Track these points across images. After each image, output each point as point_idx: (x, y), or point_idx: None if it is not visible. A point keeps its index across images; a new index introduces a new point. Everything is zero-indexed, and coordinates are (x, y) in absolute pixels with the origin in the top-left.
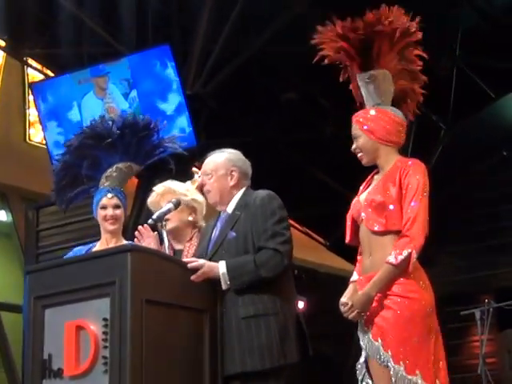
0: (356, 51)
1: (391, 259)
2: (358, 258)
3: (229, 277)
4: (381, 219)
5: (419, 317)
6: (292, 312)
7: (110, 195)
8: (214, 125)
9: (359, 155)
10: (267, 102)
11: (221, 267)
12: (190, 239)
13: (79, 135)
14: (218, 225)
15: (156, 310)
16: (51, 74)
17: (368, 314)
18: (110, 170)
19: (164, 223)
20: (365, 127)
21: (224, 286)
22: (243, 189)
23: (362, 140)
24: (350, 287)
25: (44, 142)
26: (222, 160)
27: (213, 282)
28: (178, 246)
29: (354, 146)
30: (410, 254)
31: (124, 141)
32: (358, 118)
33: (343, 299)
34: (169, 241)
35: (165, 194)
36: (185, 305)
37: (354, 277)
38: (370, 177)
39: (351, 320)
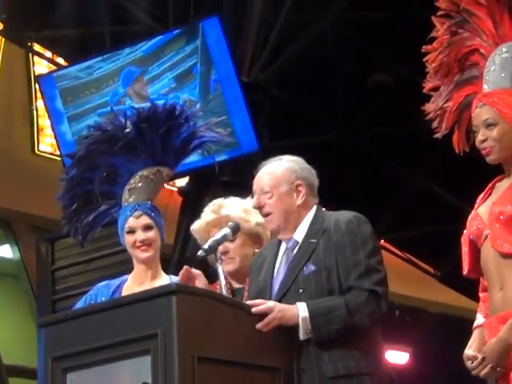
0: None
1: None
2: (482, 295)
3: (312, 324)
4: None
5: None
6: (386, 370)
7: (137, 214)
8: (280, 122)
9: (489, 148)
10: (349, 88)
11: (300, 310)
12: None
13: (85, 140)
14: (284, 257)
15: (212, 369)
16: (63, 63)
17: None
18: (133, 180)
19: (219, 255)
20: (508, 114)
21: (303, 336)
22: (313, 208)
23: (500, 129)
24: (475, 334)
25: (57, 152)
26: (282, 172)
27: (287, 330)
28: (237, 285)
29: (482, 137)
30: None
31: (144, 139)
32: (493, 99)
33: (469, 352)
34: (225, 277)
35: (215, 221)
36: (250, 362)
37: (479, 320)
38: (490, 184)
39: (481, 378)
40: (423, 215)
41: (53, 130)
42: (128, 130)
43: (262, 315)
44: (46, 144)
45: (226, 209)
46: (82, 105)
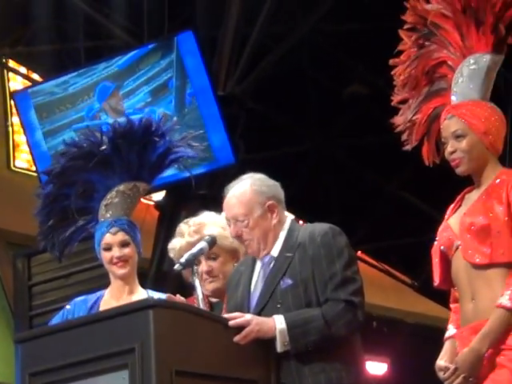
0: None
1: (504, 301)
2: (453, 306)
3: (289, 336)
4: (484, 248)
5: None
6: (367, 381)
7: (113, 230)
8: (256, 134)
9: (458, 160)
10: (325, 99)
11: (277, 323)
12: None
13: (61, 157)
14: (261, 272)
15: (190, 383)
16: (38, 79)
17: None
18: (110, 195)
19: (196, 268)
20: (478, 126)
21: (280, 348)
22: (287, 223)
23: (469, 141)
24: (447, 346)
25: (34, 168)
26: (250, 195)
27: (264, 343)
28: (215, 299)
29: (451, 148)
30: None
31: (121, 155)
32: (462, 110)
33: (441, 362)
34: (203, 292)
35: (196, 242)
36: (228, 375)
37: (451, 331)
38: (460, 196)
39: None
40: (399, 226)
41: (28, 145)
42: (104, 147)
43: (240, 328)
44: (22, 160)
45: (208, 228)
46: (57, 120)
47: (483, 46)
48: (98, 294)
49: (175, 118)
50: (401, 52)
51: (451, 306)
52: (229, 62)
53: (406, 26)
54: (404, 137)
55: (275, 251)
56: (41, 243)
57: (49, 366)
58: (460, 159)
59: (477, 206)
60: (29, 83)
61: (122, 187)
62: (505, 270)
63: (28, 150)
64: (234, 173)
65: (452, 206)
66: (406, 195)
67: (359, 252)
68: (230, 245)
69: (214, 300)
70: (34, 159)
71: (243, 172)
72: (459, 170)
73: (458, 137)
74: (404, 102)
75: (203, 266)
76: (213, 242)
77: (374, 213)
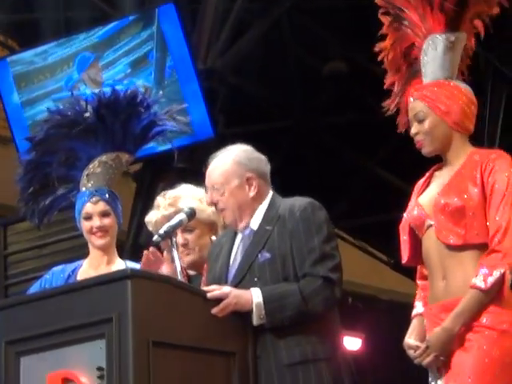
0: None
1: (478, 282)
2: (420, 282)
3: (265, 310)
4: (459, 229)
5: (510, 357)
6: (343, 355)
7: (94, 199)
8: (236, 108)
9: (421, 142)
10: (305, 75)
11: (254, 296)
12: None
13: (44, 124)
14: (240, 245)
15: (167, 354)
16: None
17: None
18: (92, 165)
19: (174, 240)
20: (438, 106)
21: (256, 322)
22: (268, 196)
23: (430, 122)
24: (415, 323)
25: (10, 135)
26: (231, 166)
27: (242, 316)
28: (193, 272)
29: (414, 130)
30: (503, 275)
31: (105, 125)
32: (422, 92)
33: (410, 341)
34: (181, 264)
35: (172, 215)
36: (205, 347)
37: (419, 309)
38: (429, 173)
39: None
40: (377, 203)
41: (6, 114)
42: (88, 115)
43: (218, 301)
44: None
45: (183, 201)
46: (36, 90)
47: (437, 26)
48: (77, 263)
49: (160, 92)
50: (384, 36)
51: (418, 282)
52: (210, 35)
53: (380, 10)
54: (397, 121)
55: (255, 224)
56: (21, 210)
57: (25, 334)
58: (422, 141)
59: (451, 186)
60: (6, 51)
61: (104, 157)
62: (478, 250)
63: (5, 118)
64: (212, 147)
65: (421, 182)
66: (384, 173)
67: (336, 229)
68: (207, 217)
69: (192, 273)
70: (11, 128)
71: (222, 146)
72: (424, 152)
73: (420, 119)
74: (394, 85)
75: (179, 239)
76: (192, 214)
77: (351, 190)
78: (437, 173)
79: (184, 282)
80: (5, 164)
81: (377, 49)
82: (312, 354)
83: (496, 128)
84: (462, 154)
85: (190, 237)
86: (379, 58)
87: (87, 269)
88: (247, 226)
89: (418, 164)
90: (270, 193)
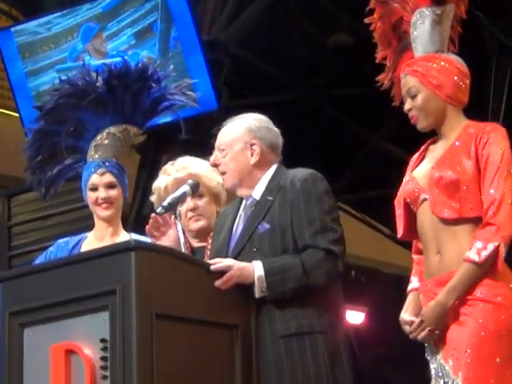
0: None
1: (472, 255)
2: (416, 257)
3: (267, 283)
4: (453, 203)
5: (507, 329)
6: (343, 329)
7: (101, 171)
8: (240, 80)
9: (415, 117)
10: (310, 48)
11: (256, 269)
12: None
13: (54, 93)
14: (242, 214)
15: (170, 327)
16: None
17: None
18: (100, 136)
19: (178, 212)
20: (430, 80)
21: (258, 294)
22: (273, 167)
23: (423, 97)
24: (410, 298)
25: (14, 106)
26: (238, 131)
27: (245, 288)
28: (198, 243)
29: (408, 106)
30: (497, 248)
31: (115, 96)
32: (413, 67)
33: (405, 316)
34: (185, 236)
35: (185, 178)
36: (208, 319)
37: (414, 284)
38: (424, 146)
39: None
40: (380, 177)
41: (10, 85)
42: (99, 86)
43: (221, 273)
44: (3, 100)
45: (195, 167)
46: (40, 60)
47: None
48: (82, 235)
49: (171, 66)
50: (373, 11)
51: (414, 256)
52: (215, 6)
53: None
54: (392, 93)
55: (257, 194)
56: (27, 179)
57: (29, 305)
58: (416, 116)
59: (445, 159)
60: (10, 21)
61: (112, 129)
62: (472, 224)
63: (8, 89)
64: (216, 118)
65: (416, 156)
66: (389, 146)
67: (339, 202)
68: (214, 186)
69: (196, 245)
70: (15, 99)
71: (226, 118)
72: (418, 127)
73: (412, 95)
74: (386, 58)
75: (188, 203)
76: (196, 186)
77: (355, 163)
78: (431, 146)
79: (188, 254)
80: (8, 135)
81: (367, 20)
82: (308, 326)
83: (500, 103)
84: (457, 127)
85: (199, 202)
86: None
87: (91, 240)
88: (250, 196)
89: (422, 138)
90: (276, 164)
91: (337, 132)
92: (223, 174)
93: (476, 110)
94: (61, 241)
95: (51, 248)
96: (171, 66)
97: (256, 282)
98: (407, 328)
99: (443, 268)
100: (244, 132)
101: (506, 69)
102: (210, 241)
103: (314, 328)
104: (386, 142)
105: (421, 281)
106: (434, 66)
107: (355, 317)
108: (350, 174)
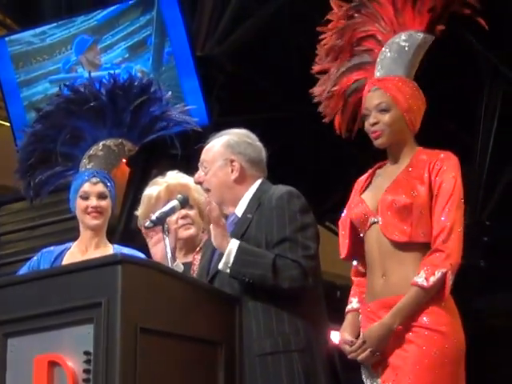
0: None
1: (420, 280)
2: (356, 279)
3: (234, 258)
4: (405, 226)
5: (450, 358)
6: (323, 348)
7: (94, 180)
8: (232, 96)
9: (379, 132)
10: (304, 64)
11: (231, 243)
12: (200, 250)
13: (56, 98)
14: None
15: (154, 341)
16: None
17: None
18: (95, 147)
19: (166, 226)
20: (401, 102)
21: (221, 266)
22: (257, 183)
23: (393, 115)
24: (349, 318)
25: (7, 117)
26: (218, 147)
27: (230, 306)
28: (183, 259)
29: (374, 120)
30: (444, 275)
31: (115, 108)
32: (386, 84)
33: (346, 335)
34: (172, 251)
35: (177, 186)
36: (192, 335)
37: (354, 304)
38: (371, 171)
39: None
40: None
41: (2, 94)
42: (101, 95)
43: (208, 291)
44: None
45: (185, 179)
46: (33, 71)
47: (417, 24)
48: (67, 245)
49: (170, 92)
50: (330, 20)
51: (354, 279)
52: (209, 22)
53: None
54: (320, 108)
55: (239, 211)
56: (16, 179)
57: (14, 315)
58: (381, 131)
59: (398, 183)
60: (4, 30)
61: (109, 141)
62: (420, 250)
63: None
64: (207, 134)
65: (362, 179)
66: None
67: (327, 222)
68: (203, 201)
69: (183, 261)
70: (7, 108)
71: (216, 134)
72: (378, 142)
73: (382, 110)
74: (324, 72)
75: (179, 213)
76: (185, 201)
77: (345, 182)
78: (379, 171)
79: (174, 269)
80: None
81: (319, 29)
82: (283, 345)
83: (492, 124)
84: (410, 153)
85: (191, 212)
86: (321, 41)
87: (75, 251)
88: (233, 213)
89: None
90: (260, 180)
91: (328, 151)
92: (207, 191)
93: (467, 130)
94: (45, 250)
95: (34, 257)
96: (170, 92)
97: (226, 252)
98: (347, 348)
99: (388, 291)
100: (223, 148)
101: (498, 93)
102: (196, 257)
103: (290, 346)
104: (376, 161)
105: (361, 302)
106: (407, 89)
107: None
108: (339, 193)
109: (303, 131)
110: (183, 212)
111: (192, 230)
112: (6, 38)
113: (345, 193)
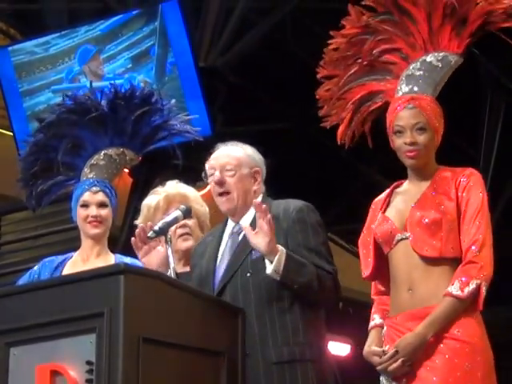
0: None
1: (455, 291)
2: (376, 297)
3: (284, 266)
4: (435, 242)
5: (481, 371)
6: (329, 359)
7: (94, 189)
8: (235, 107)
9: (416, 152)
10: (306, 76)
11: (280, 249)
12: None
13: (57, 107)
14: (229, 241)
15: (157, 351)
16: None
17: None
18: (97, 156)
19: (169, 237)
20: (434, 123)
21: (270, 271)
22: (260, 196)
23: (428, 136)
24: (373, 334)
25: (8, 124)
26: (243, 156)
27: (232, 316)
28: (181, 269)
29: (411, 139)
30: (479, 287)
31: (117, 117)
32: (423, 103)
33: (375, 348)
34: (174, 262)
35: (176, 196)
36: (195, 345)
37: (377, 321)
38: (389, 190)
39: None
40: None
41: (5, 104)
42: (102, 105)
43: (210, 301)
44: None
45: (185, 188)
46: (36, 80)
47: (454, 46)
48: (68, 255)
49: (173, 100)
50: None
51: (374, 297)
52: (212, 33)
53: (364, 2)
54: (323, 112)
55: (246, 221)
56: (19, 188)
57: (16, 325)
58: (418, 152)
59: (426, 200)
60: (8, 40)
61: (110, 151)
62: (449, 264)
63: (3, 108)
64: (209, 145)
65: (382, 198)
66: (380, 178)
67: (329, 233)
68: (202, 213)
69: (180, 271)
70: (9, 118)
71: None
72: (413, 162)
73: (419, 129)
74: (330, 77)
75: (180, 221)
76: (188, 211)
77: (347, 194)
78: (398, 190)
79: (176, 279)
80: (1, 154)
81: (332, 33)
82: (299, 354)
83: (494, 137)
84: (433, 171)
85: (190, 222)
86: (331, 46)
87: (76, 261)
88: (238, 223)
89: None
90: (261, 194)
91: (330, 162)
92: (227, 193)
93: (470, 143)
94: (46, 259)
95: (35, 267)
96: (173, 100)
97: (276, 259)
98: (377, 359)
99: (415, 304)
100: (249, 158)
101: (500, 104)
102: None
103: (306, 356)
104: (377, 174)
105: (383, 318)
106: (438, 110)
107: (341, 349)
108: (341, 205)
109: (304, 142)
110: (182, 221)
111: (190, 242)
112: (9, 48)
113: (345, 205)
